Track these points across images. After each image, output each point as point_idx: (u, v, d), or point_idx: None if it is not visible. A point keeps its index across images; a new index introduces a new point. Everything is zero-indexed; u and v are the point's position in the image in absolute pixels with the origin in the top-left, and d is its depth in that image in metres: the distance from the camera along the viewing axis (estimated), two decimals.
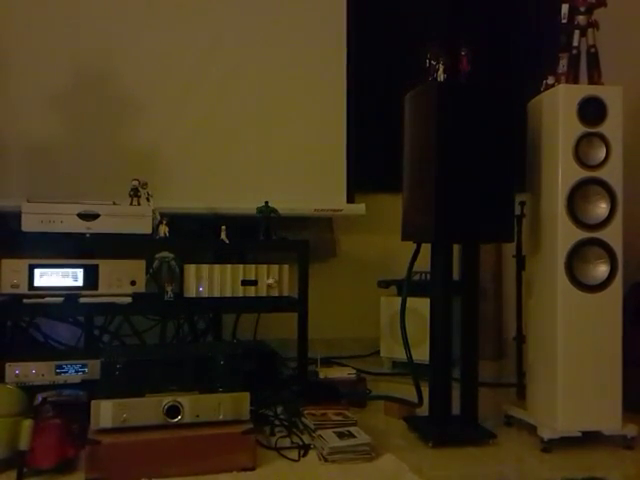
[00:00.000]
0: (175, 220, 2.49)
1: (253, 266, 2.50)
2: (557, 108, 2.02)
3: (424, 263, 2.20)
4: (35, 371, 2.16)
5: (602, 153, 2.01)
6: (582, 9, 2.11)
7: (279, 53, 3.13)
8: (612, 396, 2.01)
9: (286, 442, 1.97)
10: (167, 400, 1.76)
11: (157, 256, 2.42)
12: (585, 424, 2.01)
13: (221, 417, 1.80)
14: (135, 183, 2.47)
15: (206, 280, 2.45)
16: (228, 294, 2.47)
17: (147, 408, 1.75)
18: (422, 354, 2.46)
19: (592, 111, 2.01)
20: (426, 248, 2.17)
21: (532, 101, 2.20)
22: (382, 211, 3.28)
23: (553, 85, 2.12)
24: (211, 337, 2.94)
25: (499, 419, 2.25)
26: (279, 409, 2.20)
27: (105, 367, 1.77)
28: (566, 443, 1.99)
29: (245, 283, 2.49)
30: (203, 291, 2.44)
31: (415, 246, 2.20)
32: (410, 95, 2.16)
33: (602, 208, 2.02)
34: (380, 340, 3.11)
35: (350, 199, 3.22)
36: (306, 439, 1.98)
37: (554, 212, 2.03)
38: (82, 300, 2.29)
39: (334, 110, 3.20)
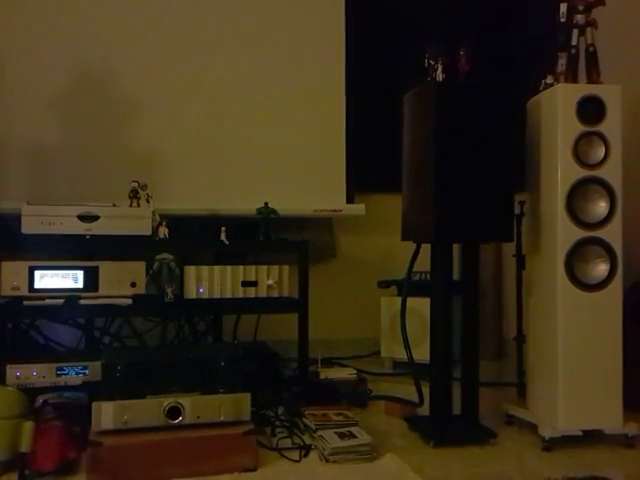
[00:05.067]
0: (175, 221, 2.49)
1: (253, 267, 2.50)
2: (556, 107, 2.02)
3: (424, 263, 2.20)
4: (36, 373, 2.16)
5: (601, 152, 2.02)
6: (581, 8, 2.11)
7: (278, 54, 3.13)
8: (613, 395, 2.01)
9: (287, 443, 1.97)
10: (168, 401, 1.76)
11: (157, 258, 2.42)
12: (586, 423, 2.01)
13: (222, 418, 1.80)
14: (135, 185, 2.48)
15: (206, 281, 2.45)
16: (228, 295, 2.47)
17: (148, 409, 1.75)
18: (423, 354, 2.46)
19: (591, 110, 2.01)
20: (426, 248, 2.17)
21: (531, 100, 2.20)
22: (382, 211, 3.28)
23: (552, 84, 2.12)
24: (211, 338, 2.94)
25: (500, 418, 2.26)
26: (280, 410, 2.20)
27: (106, 369, 1.77)
28: (567, 442, 1.99)
29: (245, 284, 2.49)
30: (203, 292, 2.45)
31: (415, 246, 2.20)
32: (409, 95, 2.16)
33: (601, 207, 2.02)
34: (380, 340, 3.11)
35: (350, 199, 3.22)
36: (307, 440, 1.98)
37: (554, 211, 2.03)
38: (82, 302, 2.29)
39: (333, 110, 3.21)
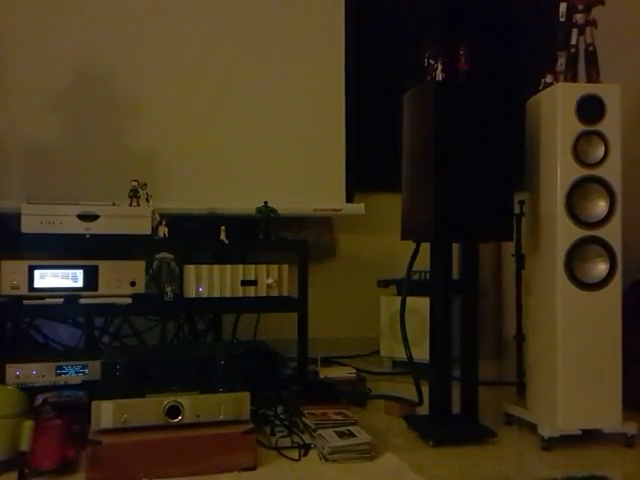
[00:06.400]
0: (174, 221, 2.49)
1: (253, 266, 2.50)
2: (556, 107, 2.02)
3: (424, 262, 2.20)
4: (35, 372, 2.16)
5: (601, 151, 2.02)
6: (580, 7, 2.12)
7: (278, 53, 3.13)
8: (612, 394, 2.02)
9: (287, 442, 1.97)
10: (167, 400, 1.76)
11: (157, 257, 2.42)
12: (585, 422, 2.01)
13: (222, 417, 1.80)
14: (134, 184, 2.48)
15: (206, 280, 2.45)
16: (228, 294, 2.47)
17: (147, 408, 1.75)
18: (422, 353, 2.46)
19: (591, 109, 2.01)
20: (425, 247, 2.17)
21: (531, 100, 2.20)
22: (381, 211, 3.28)
23: (551, 84, 2.12)
24: (211, 337, 2.94)
25: (499, 418, 2.26)
26: (279, 409, 2.20)
27: (105, 368, 1.77)
28: (566, 441, 1.99)
29: (245, 283, 2.49)
30: (203, 291, 2.45)
31: (415, 245, 2.20)
32: (409, 94, 2.16)
33: (601, 206, 2.02)
34: (380, 339, 3.11)
35: (349, 199, 3.22)
36: (306, 439, 1.98)
37: (553, 211, 2.03)
38: (82, 301, 2.29)
39: (333, 110, 3.21)
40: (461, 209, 1.99)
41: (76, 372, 2.20)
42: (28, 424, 1.69)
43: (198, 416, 1.78)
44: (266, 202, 2.62)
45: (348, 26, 3.22)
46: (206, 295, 2.45)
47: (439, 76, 2.07)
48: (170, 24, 3.01)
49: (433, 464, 1.88)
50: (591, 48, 2.11)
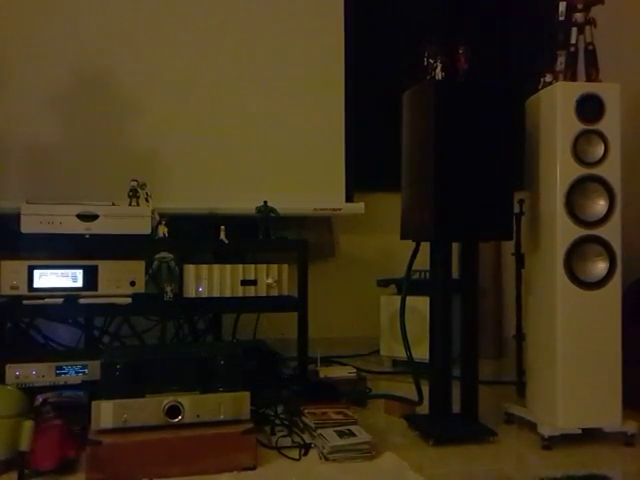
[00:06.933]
0: (174, 220, 2.49)
1: (252, 266, 2.50)
2: (555, 106, 2.02)
3: (423, 261, 2.20)
4: (35, 372, 2.16)
5: (600, 150, 2.02)
6: (580, 6, 2.12)
7: (278, 53, 3.13)
8: (612, 393, 2.02)
9: (287, 441, 1.97)
10: (167, 400, 1.76)
11: (156, 257, 2.42)
12: (585, 421, 2.01)
13: (222, 417, 1.80)
14: (134, 184, 2.48)
15: (205, 280, 2.45)
16: (228, 294, 2.47)
17: (147, 408, 1.75)
18: (422, 353, 2.46)
19: (590, 108, 2.01)
20: (425, 246, 2.17)
21: (530, 99, 2.20)
22: (381, 210, 3.28)
23: (551, 83, 2.12)
24: (211, 337, 2.94)
25: (499, 417, 2.25)
26: (279, 408, 2.20)
27: (105, 368, 1.77)
28: (566, 440, 1.99)
29: (245, 283, 2.49)
30: (203, 291, 2.45)
31: (414, 244, 2.20)
32: (408, 93, 2.16)
33: (601, 205, 2.02)
34: (380, 339, 3.11)
35: (349, 198, 3.22)
36: (307, 438, 1.98)
37: (553, 210, 2.03)
38: (82, 301, 2.29)
39: (333, 109, 3.21)
40: (461, 208, 1.99)
41: (76, 372, 2.19)
42: (28, 424, 1.69)
43: (198, 416, 1.78)
44: (266, 202, 2.62)
45: (348, 25, 3.22)
46: (206, 295, 2.45)
47: (438, 75, 2.07)
48: (170, 24, 3.01)
49: (433, 463, 1.88)
50: (590, 47, 2.11)
